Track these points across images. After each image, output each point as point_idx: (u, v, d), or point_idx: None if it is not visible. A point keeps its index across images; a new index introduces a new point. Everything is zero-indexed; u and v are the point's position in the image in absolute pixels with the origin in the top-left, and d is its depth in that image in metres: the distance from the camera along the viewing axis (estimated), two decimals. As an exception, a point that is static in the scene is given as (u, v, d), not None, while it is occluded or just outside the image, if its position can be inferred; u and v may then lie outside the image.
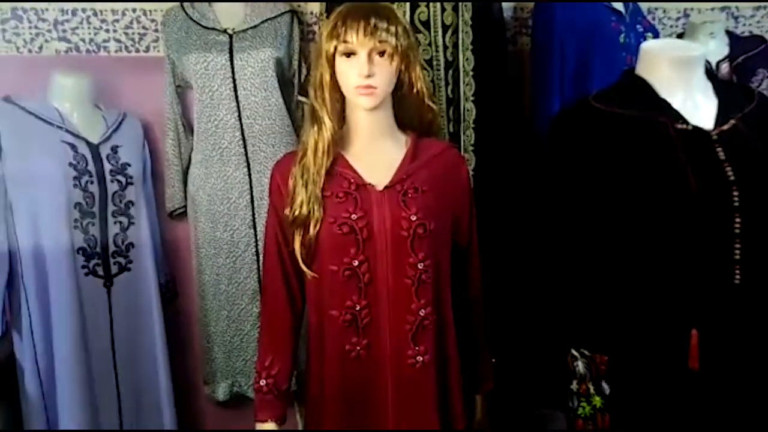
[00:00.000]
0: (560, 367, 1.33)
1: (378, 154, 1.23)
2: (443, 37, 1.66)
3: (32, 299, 1.51)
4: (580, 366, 1.28)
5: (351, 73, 1.15)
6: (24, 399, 1.55)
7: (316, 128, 1.19)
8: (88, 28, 1.87)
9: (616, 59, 1.78)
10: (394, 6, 1.60)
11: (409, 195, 1.19)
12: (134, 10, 1.88)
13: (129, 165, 1.66)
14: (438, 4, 1.64)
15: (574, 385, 1.29)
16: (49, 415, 1.53)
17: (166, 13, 1.79)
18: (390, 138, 1.24)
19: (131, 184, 1.65)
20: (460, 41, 1.66)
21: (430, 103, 1.26)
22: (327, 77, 1.18)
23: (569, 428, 1.31)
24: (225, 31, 1.75)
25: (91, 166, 1.58)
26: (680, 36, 2.02)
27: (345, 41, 1.14)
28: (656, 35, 1.88)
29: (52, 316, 1.51)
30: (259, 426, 1.22)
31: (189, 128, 1.86)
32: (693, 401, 1.12)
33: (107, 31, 1.88)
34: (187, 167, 1.85)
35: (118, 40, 1.89)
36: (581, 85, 1.80)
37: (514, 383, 1.54)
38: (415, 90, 1.23)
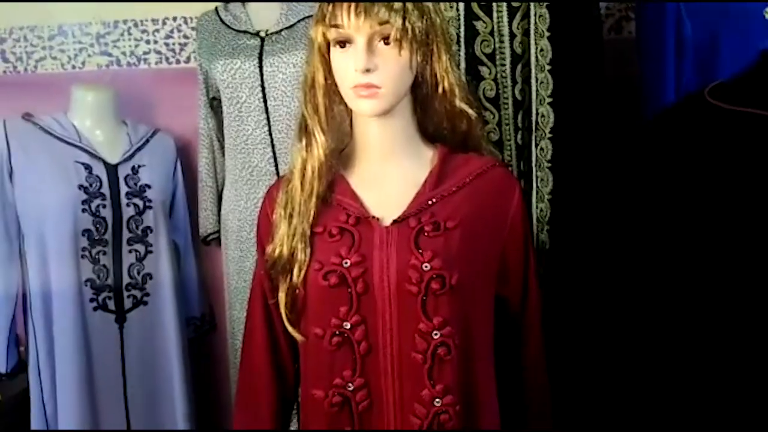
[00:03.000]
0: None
1: (391, 177, 0.91)
2: (509, 22, 1.30)
3: (40, 336, 1.39)
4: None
5: (346, 69, 0.85)
6: (34, 441, 1.42)
7: (304, 144, 0.90)
8: (129, 39, 1.76)
9: (759, 42, 1.30)
10: (445, -12, 1.30)
11: (426, 233, 0.86)
12: (175, 18, 1.74)
13: (149, 187, 1.49)
14: (503, -19, 1.28)
15: None
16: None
17: (200, 17, 1.62)
18: (409, 155, 0.92)
19: (150, 207, 1.48)
20: (533, 27, 1.29)
21: (464, 107, 0.92)
22: (320, 77, 0.89)
23: None
24: (257, 33, 1.53)
25: (105, 189, 1.43)
26: None
27: (335, 25, 0.84)
28: (824, 4, 1.36)
29: (55, 354, 1.37)
30: None
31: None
32: None
33: (147, 42, 1.76)
34: (223, 188, 1.66)
35: (159, 52, 1.77)
36: (708, 80, 1.35)
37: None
38: (441, 89, 0.90)
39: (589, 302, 1.28)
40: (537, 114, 1.31)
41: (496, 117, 1.33)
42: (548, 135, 1.31)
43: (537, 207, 1.32)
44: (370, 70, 0.83)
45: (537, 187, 1.32)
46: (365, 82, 0.84)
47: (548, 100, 1.31)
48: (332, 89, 0.90)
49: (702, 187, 0.82)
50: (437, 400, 0.83)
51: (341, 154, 0.95)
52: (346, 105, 0.92)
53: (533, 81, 1.30)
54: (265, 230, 0.96)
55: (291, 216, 0.89)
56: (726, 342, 0.81)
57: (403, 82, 0.87)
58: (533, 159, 1.31)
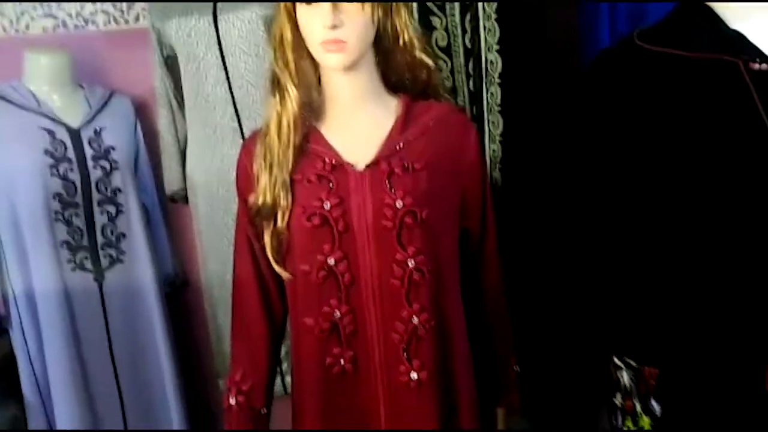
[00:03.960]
0: (601, 376, 1.08)
1: (360, 126, 1.00)
2: (456, -27, 1.37)
3: (20, 297, 1.42)
4: (625, 377, 1.02)
5: (314, 26, 0.92)
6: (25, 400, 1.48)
7: (278, 98, 0.97)
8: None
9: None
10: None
11: (397, 175, 0.96)
12: (119, -24, 1.71)
13: (113, 149, 1.51)
14: (445, -68, 1.35)
15: (618, 399, 1.04)
16: (50, 418, 1.45)
17: (148, -25, 1.61)
18: (375, 104, 1.01)
19: (116, 169, 1.51)
20: (478, -23, 1.37)
21: (423, 57, 1.01)
22: (288, 33, 0.96)
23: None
24: (210, -11, 1.54)
25: (70, 153, 1.45)
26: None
27: (301, -17, 0.90)
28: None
29: (39, 315, 1.41)
30: (231, 452, 1.05)
31: (184, 103, 1.69)
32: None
33: (93, 2, 1.72)
34: (186, 147, 1.69)
35: (106, 12, 1.73)
36: (640, 20, 1.47)
37: (545, 395, 1.29)
38: (401, 42, 0.98)
39: (538, 231, 1.42)
40: (486, 61, 1.40)
41: (449, 65, 1.41)
42: (497, 81, 1.41)
43: (490, 148, 1.44)
44: (337, 26, 0.90)
45: (489, 129, 1.43)
46: (333, 37, 0.91)
47: (496, 47, 1.40)
48: (300, 45, 0.97)
49: (635, 121, 0.94)
50: (414, 318, 0.95)
51: (312, 106, 1.02)
52: (312, 60, 0.99)
53: (481, 30, 1.39)
54: (245, 182, 1.03)
55: (271, 166, 0.97)
56: (668, 272, 0.94)
57: (367, 35, 0.94)
58: (484, 104, 1.42)
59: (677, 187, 0.89)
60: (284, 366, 1.64)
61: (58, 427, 1.43)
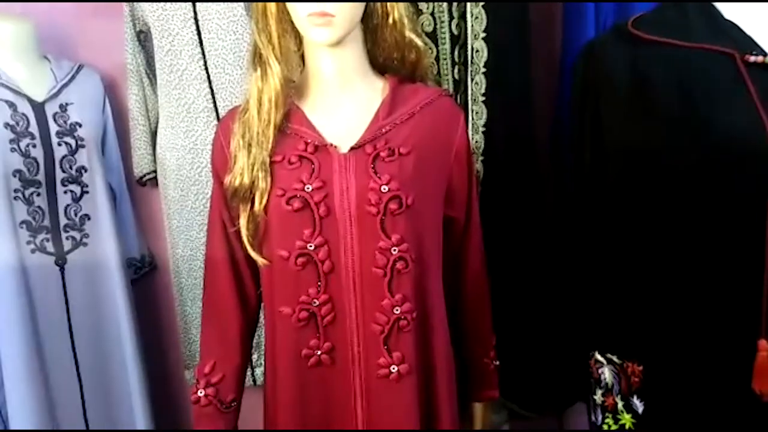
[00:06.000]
0: (581, 372, 1.06)
1: (345, 107, 0.95)
2: (445, -42, 1.34)
3: (-26, 280, 1.33)
4: (607, 374, 1.01)
5: (300, -3, 0.87)
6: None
7: (259, 73, 0.92)
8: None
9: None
10: None
11: (382, 159, 0.91)
12: (90, -57, 1.62)
13: (80, 125, 1.43)
14: None
15: (599, 397, 1.02)
16: (2, 413, 1.37)
17: (122, -55, 1.53)
18: (361, 85, 0.96)
19: (82, 146, 1.43)
20: (466, -37, 1.34)
21: (413, 37, 0.97)
22: (272, 5, 0.90)
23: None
24: (187, -39, 1.47)
25: (33, 127, 1.36)
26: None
27: (287, -48, 0.85)
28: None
29: (-6, 299, 1.33)
30: (198, 446, 1.00)
31: (156, 81, 1.61)
32: (757, 434, 0.84)
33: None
34: (157, 127, 1.62)
35: (74, -21, 1.64)
36: (626, 12, 1.46)
37: (525, 389, 1.27)
38: (391, 20, 0.94)
39: (520, 224, 1.40)
40: (472, 49, 1.37)
41: (434, 52, 1.38)
42: (482, 70, 1.39)
43: (472, 138, 1.41)
44: (324, -1, 0.85)
45: (472, 119, 1.40)
46: (320, 10, 0.86)
47: (482, 35, 1.37)
48: (284, 18, 0.92)
49: (626, 114, 0.92)
50: (396, 308, 0.91)
51: (294, 83, 0.97)
52: (295, 34, 0.94)
53: (468, 16, 1.36)
54: (220, 161, 0.98)
55: (250, 146, 0.92)
56: (654, 265, 0.92)
57: (356, 10, 0.90)
58: (469, 93, 1.39)
59: (670, 178, 0.87)
60: (254, 357, 1.59)
61: (11, 416, 1.34)
